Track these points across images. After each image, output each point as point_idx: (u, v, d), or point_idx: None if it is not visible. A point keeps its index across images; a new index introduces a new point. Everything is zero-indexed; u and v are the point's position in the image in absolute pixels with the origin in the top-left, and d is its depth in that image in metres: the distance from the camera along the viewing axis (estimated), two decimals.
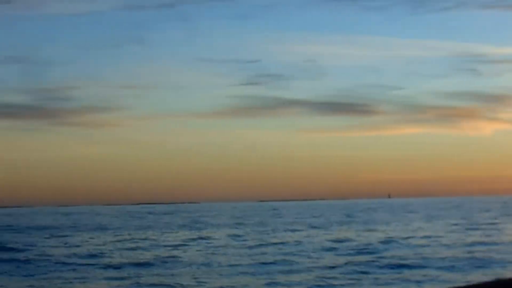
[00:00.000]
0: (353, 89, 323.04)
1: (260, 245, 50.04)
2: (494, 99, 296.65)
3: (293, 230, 68.58)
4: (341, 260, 38.26)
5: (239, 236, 61.84)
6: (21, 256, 44.15)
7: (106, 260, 40.71)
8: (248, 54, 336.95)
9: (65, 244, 55.56)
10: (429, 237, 54.97)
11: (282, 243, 51.33)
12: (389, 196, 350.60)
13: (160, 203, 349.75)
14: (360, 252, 43.37)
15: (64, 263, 39.76)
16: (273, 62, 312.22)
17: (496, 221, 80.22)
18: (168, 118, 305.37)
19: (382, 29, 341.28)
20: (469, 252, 41.46)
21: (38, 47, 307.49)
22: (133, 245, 52.70)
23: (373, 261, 37.57)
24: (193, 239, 57.88)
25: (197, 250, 47.00)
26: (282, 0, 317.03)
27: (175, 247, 50.14)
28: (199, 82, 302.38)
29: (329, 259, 39.56)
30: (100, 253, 45.81)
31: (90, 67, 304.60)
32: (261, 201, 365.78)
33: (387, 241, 50.96)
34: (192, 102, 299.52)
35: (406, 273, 32.69)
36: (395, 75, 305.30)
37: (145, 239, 60.21)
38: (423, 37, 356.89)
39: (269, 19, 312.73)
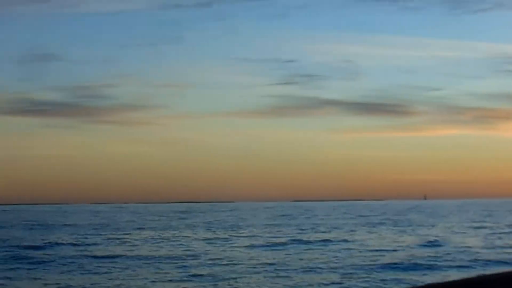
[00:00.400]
0: (389, 89, 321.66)
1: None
2: None
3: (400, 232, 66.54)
4: None
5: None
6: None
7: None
8: (285, 54, 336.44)
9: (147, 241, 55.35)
10: None
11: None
12: (425, 198, 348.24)
13: (195, 202, 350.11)
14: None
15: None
16: (309, 62, 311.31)
17: None
18: (204, 117, 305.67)
19: (419, 30, 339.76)
20: None
21: (75, 45, 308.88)
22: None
23: None
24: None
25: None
26: (319, 0, 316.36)
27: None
28: (236, 82, 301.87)
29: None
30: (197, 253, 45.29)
31: (127, 66, 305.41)
32: (295, 201, 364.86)
33: None
34: (228, 101, 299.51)
35: None
36: (432, 76, 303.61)
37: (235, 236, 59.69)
38: (460, 38, 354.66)
39: (306, 19, 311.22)
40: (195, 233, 65.99)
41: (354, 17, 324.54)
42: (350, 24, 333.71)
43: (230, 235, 62.10)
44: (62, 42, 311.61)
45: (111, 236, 61.73)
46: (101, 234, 65.24)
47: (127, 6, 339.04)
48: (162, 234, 65.09)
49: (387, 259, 38.99)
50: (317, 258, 39.71)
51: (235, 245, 50.75)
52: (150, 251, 45.31)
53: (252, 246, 48.90)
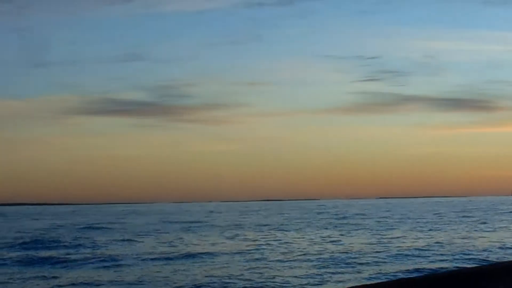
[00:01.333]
0: (474, 84, 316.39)
1: None
2: None
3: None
4: None
5: None
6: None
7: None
8: (368, 50, 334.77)
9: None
10: None
11: None
12: None
13: (276, 200, 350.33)
14: None
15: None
16: (393, 58, 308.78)
17: None
18: (287, 115, 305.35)
19: (504, 24, 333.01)
20: None
21: (157, 45, 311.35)
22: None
23: None
24: None
25: None
26: None
27: None
28: (318, 79, 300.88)
29: None
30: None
31: (209, 64, 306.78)
32: (379, 198, 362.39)
33: None
34: (311, 98, 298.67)
35: None
36: None
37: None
38: None
39: (389, 15, 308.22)
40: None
41: (438, 12, 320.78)
42: (433, 19, 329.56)
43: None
44: (145, 41, 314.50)
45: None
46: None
47: (208, 5, 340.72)
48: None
49: None
50: None
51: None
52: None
53: None
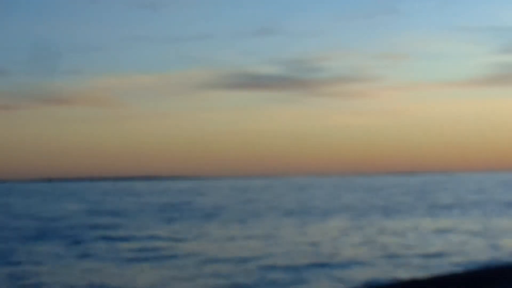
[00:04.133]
0: None
1: None
2: None
3: None
4: None
5: None
6: None
7: None
8: (502, 21, 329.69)
9: None
10: None
11: None
12: None
13: (411, 172, 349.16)
14: None
15: None
16: None
17: None
18: (422, 87, 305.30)
19: None
20: None
21: (291, 18, 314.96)
22: None
23: None
24: None
25: None
26: None
27: None
28: (454, 51, 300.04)
29: None
30: None
31: (343, 38, 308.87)
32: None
33: None
34: (446, 71, 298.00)
35: None
36: None
37: None
38: None
39: None
40: None
41: None
42: None
43: None
44: (279, 15, 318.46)
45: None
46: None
47: None
48: None
49: None
50: None
51: None
52: None
53: None
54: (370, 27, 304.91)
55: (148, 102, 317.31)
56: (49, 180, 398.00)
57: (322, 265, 23.10)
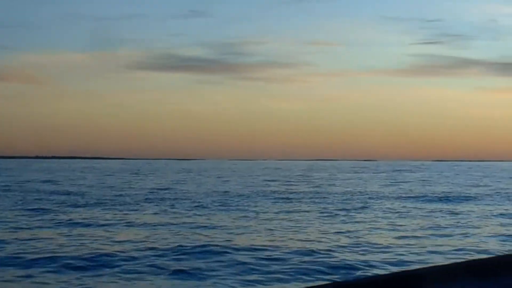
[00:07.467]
0: None
1: None
2: None
3: None
4: None
5: None
6: None
7: None
8: (431, 13, 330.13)
9: None
10: None
11: None
12: None
13: (332, 159, 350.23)
14: None
15: None
16: (455, 21, 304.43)
17: None
18: (349, 75, 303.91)
19: None
20: None
21: (222, 2, 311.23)
22: None
23: None
24: None
25: None
26: None
27: None
28: (381, 40, 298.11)
29: None
30: None
31: (274, 23, 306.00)
32: (436, 160, 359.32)
33: None
34: (374, 59, 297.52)
35: None
36: None
37: None
38: None
39: None
40: None
41: None
42: None
43: None
44: None
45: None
46: None
47: None
48: None
49: None
50: None
51: None
52: None
53: None
54: (301, 13, 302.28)
55: (77, 80, 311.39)
56: None
57: None
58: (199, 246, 22.66)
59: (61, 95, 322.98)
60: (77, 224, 29.95)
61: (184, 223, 30.38)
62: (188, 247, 22.53)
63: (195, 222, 30.41)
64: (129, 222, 30.74)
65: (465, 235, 26.81)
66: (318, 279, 18.01)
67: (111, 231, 27.49)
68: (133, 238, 25.15)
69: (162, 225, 29.53)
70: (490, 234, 27.19)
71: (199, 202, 42.55)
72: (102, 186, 62.21)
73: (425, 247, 23.41)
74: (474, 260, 4.78)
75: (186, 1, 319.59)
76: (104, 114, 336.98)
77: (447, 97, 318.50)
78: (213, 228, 28.62)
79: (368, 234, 26.96)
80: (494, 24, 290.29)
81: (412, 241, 25.07)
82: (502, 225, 30.75)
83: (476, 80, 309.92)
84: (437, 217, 33.87)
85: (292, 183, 73.43)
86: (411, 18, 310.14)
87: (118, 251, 21.76)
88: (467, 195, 51.55)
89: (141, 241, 24.21)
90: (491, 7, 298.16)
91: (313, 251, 22.02)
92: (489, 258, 4.88)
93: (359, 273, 18.75)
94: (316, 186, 64.29)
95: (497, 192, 54.86)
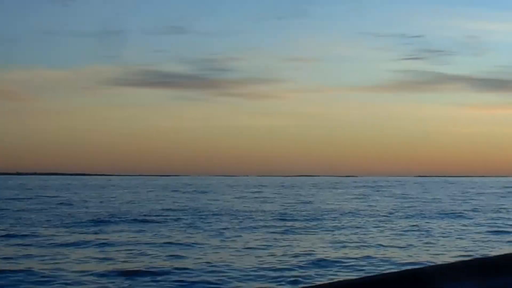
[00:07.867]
0: None
1: None
2: None
3: None
4: None
5: None
6: None
7: None
8: (411, 29, 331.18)
9: None
10: None
11: None
12: None
13: (317, 176, 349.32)
14: None
15: None
16: (436, 37, 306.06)
17: None
18: (329, 91, 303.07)
19: None
20: None
21: (200, 18, 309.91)
22: None
23: None
24: None
25: None
26: None
27: None
28: (361, 56, 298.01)
29: None
30: None
31: (252, 39, 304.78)
32: (418, 176, 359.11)
33: None
34: (353, 76, 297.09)
35: None
36: None
37: None
38: None
39: None
40: None
41: None
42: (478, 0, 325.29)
43: None
44: (189, 14, 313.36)
45: None
46: None
47: None
48: None
49: None
50: None
51: None
52: None
53: None
54: (280, 29, 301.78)
55: (56, 97, 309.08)
56: None
57: None
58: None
59: (38, 112, 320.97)
60: None
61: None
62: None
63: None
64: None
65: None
66: None
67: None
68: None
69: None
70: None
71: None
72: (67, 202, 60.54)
73: None
74: (477, 259, 4.37)
75: (166, 17, 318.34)
76: (83, 130, 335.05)
77: (427, 112, 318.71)
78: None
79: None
80: (475, 40, 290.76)
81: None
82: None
83: (456, 96, 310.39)
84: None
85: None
86: (391, 34, 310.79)
87: None
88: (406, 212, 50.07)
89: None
90: (471, 23, 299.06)
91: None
92: (493, 256, 4.47)
93: None
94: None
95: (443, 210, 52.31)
